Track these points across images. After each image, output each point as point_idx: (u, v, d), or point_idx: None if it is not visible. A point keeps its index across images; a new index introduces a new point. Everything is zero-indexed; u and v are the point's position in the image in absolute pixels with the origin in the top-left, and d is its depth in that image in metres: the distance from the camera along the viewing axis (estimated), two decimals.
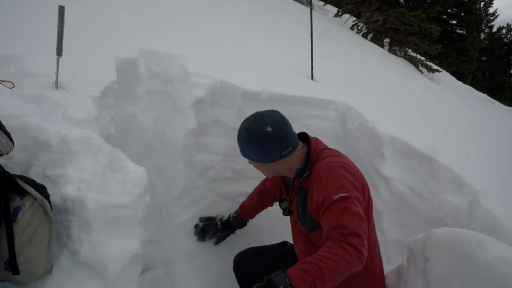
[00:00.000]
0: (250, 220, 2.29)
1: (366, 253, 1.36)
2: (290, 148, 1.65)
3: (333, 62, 4.21)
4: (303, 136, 1.76)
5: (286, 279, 1.25)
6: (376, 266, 1.72)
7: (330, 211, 1.44)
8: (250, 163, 1.79)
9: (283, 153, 1.64)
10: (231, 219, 2.26)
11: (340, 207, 1.42)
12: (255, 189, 2.20)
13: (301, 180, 1.66)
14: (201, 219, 2.32)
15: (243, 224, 2.26)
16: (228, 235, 2.31)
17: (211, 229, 2.27)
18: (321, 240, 1.52)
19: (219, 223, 2.27)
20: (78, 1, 2.68)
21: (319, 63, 3.33)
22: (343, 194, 1.44)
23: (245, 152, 1.73)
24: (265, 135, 1.61)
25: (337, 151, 1.71)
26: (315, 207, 1.56)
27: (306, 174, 1.63)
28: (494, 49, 27.72)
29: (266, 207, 2.22)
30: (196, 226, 2.31)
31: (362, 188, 1.59)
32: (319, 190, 1.52)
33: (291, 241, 2.02)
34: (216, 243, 2.35)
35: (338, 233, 1.36)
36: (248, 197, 2.25)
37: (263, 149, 1.63)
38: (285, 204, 1.87)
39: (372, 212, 1.69)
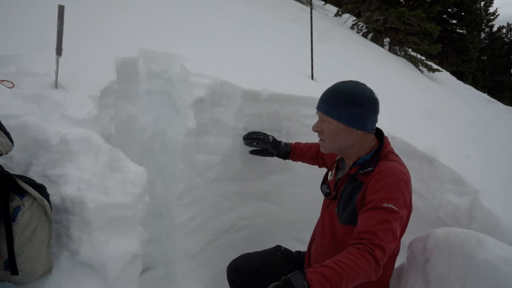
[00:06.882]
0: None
1: (381, 270, 1.35)
2: (375, 128, 1.60)
3: (333, 62, 4.21)
4: (377, 131, 1.68)
5: (305, 282, 1.22)
6: (388, 277, 1.71)
7: (371, 214, 1.41)
8: (316, 128, 1.64)
9: (373, 128, 1.58)
10: (282, 143, 2.23)
11: (382, 216, 1.39)
12: (316, 144, 2.07)
13: (361, 172, 1.57)
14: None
15: (286, 154, 2.21)
16: (269, 154, 2.25)
17: (262, 139, 2.24)
18: (346, 237, 1.50)
19: (271, 138, 2.24)
20: (78, 0, 2.68)
21: (319, 63, 3.33)
22: (392, 207, 1.40)
23: (331, 108, 1.57)
24: (372, 99, 1.54)
25: (402, 160, 1.62)
26: (364, 203, 1.51)
27: (370, 169, 1.54)
28: (494, 49, 27.70)
29: (312, 163, 2.17)
30: (247, 134, 2.31)
31: (410, 205, 1.55)
32: (374, 189, 1.47)
33: (283, 245, 2.00)
34: (253, 152, 2.32)
35: (367, 240, 1.34)
36: (307, 143, 2.20)
37: (360, 111, 1.53)
38: (326, 187, 1.78)
39: (407, 222, 1.62)
